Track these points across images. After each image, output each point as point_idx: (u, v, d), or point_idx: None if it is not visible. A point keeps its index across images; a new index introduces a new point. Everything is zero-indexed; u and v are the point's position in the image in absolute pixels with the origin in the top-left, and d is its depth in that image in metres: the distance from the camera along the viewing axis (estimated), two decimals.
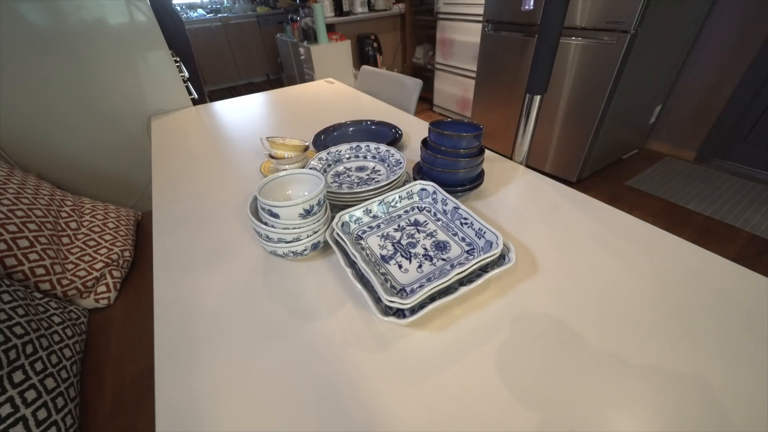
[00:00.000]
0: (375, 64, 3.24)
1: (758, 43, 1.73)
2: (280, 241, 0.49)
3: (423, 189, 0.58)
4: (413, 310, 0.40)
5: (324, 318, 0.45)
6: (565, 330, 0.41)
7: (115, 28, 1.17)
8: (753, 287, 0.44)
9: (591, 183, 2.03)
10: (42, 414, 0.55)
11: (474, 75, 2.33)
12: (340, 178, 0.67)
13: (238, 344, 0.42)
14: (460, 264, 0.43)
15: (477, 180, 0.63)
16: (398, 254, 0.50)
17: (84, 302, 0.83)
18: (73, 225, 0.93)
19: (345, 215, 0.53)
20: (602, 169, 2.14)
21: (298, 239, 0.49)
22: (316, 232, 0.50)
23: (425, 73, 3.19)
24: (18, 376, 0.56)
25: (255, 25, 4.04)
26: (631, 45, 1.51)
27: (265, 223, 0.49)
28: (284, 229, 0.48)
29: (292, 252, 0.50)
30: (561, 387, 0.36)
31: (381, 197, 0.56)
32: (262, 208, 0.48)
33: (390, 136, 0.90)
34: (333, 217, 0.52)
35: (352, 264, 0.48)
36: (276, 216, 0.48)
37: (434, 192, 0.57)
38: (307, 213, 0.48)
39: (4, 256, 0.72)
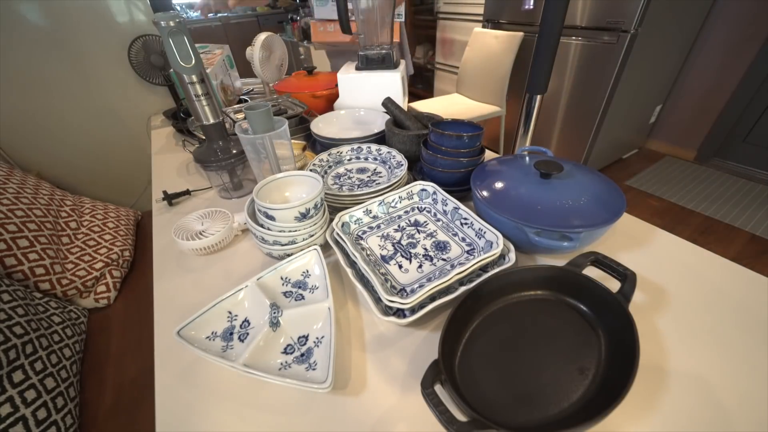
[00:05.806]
0: None
1: (758, 43, 1.73)
2: (275, 243, 0.48)
3: (423, 189, 0.58)
4: (413, 310, 0.40)
5: None
6: None
7: (115, 28, 1.17)
8: (753, 287, 0.44)
9: None
10: (42, 414, 0.55)
11: None
12: (341, 179, 0.67)
13: None
14: (460, 264, 0.43)
15: None
16: (398, 254, 0.50)
17: (84, 302, 0.83)
18: (73, 225, 0.93)
19: (345, 216, 0.53)
20: (602, 168, 2.14)
21: (293, 242, 0.48)
22: (312, 236, 0.49)
23: (425, 73, 3.19)
24: (18, 376, 0.56)
25: (255, 25, 4.03)
26: (631, 45, 1.51)
27: (262, 225, 0.49)
28: (280, 231, 0.47)
29: (288, 254, 0.49)
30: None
31: (381, 198, 0.56)
32: (259, 210, 0.48)
33: None
34: (332, 219, 0.52)
35: (352, 264, 0.47)
36: (272, 218, 0.47)
37: (434, 192, 0.57)
38: (303, 216, 0.47)
39: (4, 256, 0.72)
